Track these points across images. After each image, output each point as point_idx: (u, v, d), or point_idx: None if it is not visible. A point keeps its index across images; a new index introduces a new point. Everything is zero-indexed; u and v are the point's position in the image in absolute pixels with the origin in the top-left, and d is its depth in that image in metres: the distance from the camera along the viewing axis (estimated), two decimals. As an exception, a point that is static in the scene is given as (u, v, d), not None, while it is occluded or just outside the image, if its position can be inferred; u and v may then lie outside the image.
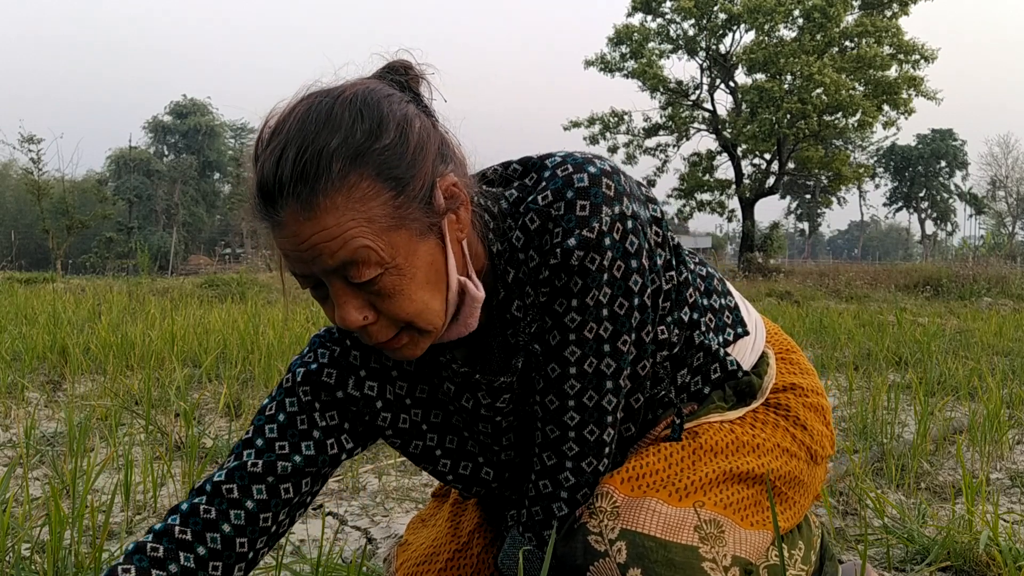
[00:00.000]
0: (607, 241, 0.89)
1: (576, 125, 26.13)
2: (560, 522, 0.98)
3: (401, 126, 0.83)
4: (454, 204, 0.87)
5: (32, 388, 3.30)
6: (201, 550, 0.96)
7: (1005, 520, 1.86)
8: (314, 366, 1.04)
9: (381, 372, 1.05)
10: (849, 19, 23.29)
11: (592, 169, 0.90)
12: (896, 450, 2.38)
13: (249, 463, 1.00)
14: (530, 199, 0.92)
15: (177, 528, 0.96)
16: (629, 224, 0.90)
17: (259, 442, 1.01)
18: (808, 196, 55.47)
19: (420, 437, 1.07)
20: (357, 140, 0.81)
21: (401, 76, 0.91)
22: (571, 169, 0.91)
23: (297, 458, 1.01)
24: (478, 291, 0.90)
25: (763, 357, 1.13)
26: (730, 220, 27.50)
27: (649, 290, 0.94)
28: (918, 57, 23.06)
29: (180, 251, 38.92)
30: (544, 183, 0.92)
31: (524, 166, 0.98)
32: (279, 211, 0.81)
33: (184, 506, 0.99)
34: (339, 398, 1.04)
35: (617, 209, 0.90)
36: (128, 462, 1.83)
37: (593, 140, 25.95)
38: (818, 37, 22.83)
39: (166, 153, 56.80)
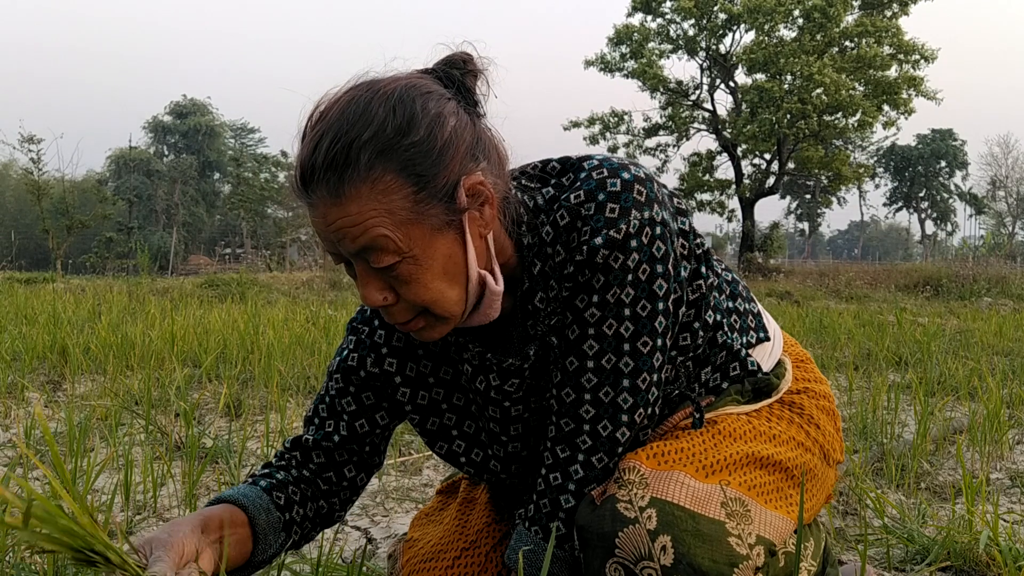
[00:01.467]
0: (634, 243, 0.92)
1: (576, 125, 26.11)
2: (567, 515, 0.98)
3: (431, 125, 0.87)
4: (476, 202, 0.90)
5: (32, 388, 3.30)
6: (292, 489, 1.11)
7: (1005, 520, 1.86)
8: (344, 353, 1.13)
9: (405, 350, 1.10)
10: (849, 19, 23.27)
11: (626, 175, 0.93)
12: (896, 450, 2.38)
13: (303, 438, 1.14)
14: (563, 197, 0.95)
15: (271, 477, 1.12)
16: (657, 230, 0.93)
17: (316, 420, 1.15)
18: (808, 196, 55.46)
19: (438, 415, 1.11)
20: (387, 135, 0.85)
21: (458, 69, 0.94)
22: (606, 173, 0.94)
23: (343, 433, 1.13)
24: (497, 285, 0.93)
25: (780, 363, 1.15)
26: (730, 220, 27.48)
27: (672, 297, 0.96)
28: (918, 57, 23.05)
29: (180, 251, 38.90)
30: (579, 183, 0.95)
31: (563, 165, 1.02)
32: (312, 193, 0.87)
33: (264, 468, 1.14)
34: (363, 377, 1.11)
35: (647, 214, 0.92)
36: (128, 462, 1.83)
37: (593, 140, 25.94)
38: (818, 37, 22.82)
39: (166, 153, 56.76)
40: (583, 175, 0.95)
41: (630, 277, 0.93)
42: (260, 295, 9.38)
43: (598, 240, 0.91)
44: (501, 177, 0.94)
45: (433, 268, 0.89)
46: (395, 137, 0.85)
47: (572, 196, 0.93)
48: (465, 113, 0.91)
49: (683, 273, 0.98)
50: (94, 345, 4.03)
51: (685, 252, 0.99)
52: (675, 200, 1.00)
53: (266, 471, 1.13)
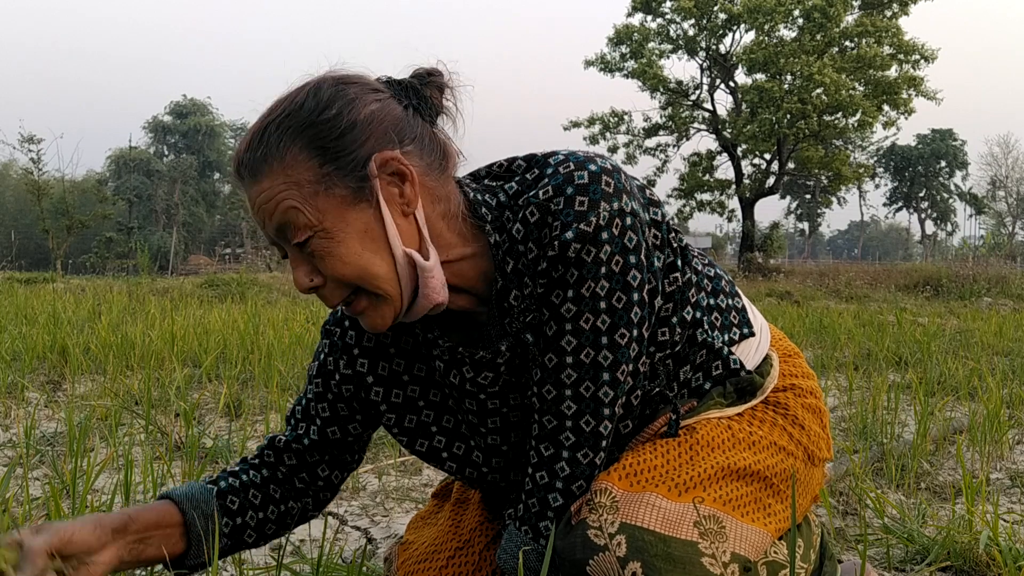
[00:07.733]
0: (604, 235, 0.92)
1: (576, 125, 26.14)
2: (556, 514, 0.98)
3: (343, 106, 0.91)
4: (387, 172, 0.91)
5: (32, 388, 3.30)
6: (252, 492, 1.14)
7: (1005, 520, 1.86)
8: (321, 356, 1.14)
9: (376, 349, 1.10)
10: (849, 19, 23.28)
11: (593, 167, 0.93)
12: (896, 450, 2.38)
13: (277, 438, 1.17)
14: (531, 193, 0.95)
15: (233, 481, 1.14)
16: (628, 220, 0.93)
17: (292, 421, 1.17)
18: (808, 196, 55.46)
19: (416, 412, 1.10)
20: (300, 116, 0.91)
21: (419, 79, 0.98)
22: (572, 167, 0.94)
23: (313, 438, 1.14)
24: (426, 261, 0.93)
25: (767, 359, 1.13)
26: (730, 220, 27.50)
27: (647, 288, 0.96)
28: (918, 57, 23.06)
29: (180, 251, 38.90)
30: (546, 179, 0.95)
31: (528, 162, 1.01)
32: (241, 177, 0.94)
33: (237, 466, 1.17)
34: (338, 380, 1.12)
35: (616, 205, 0.92)
36: (128, 462, 1.83)
37: (593, 140, 25.95)
38: (818, 37, 22.82)
39: (166, 153, 56.74)
40: (550, 171, 0.95)
41: (603, 270, 0.92)
42: (260, 295, 9.38)
43: (569, 234, 0.91)
44: (438, 169, 0.95)
45: (348, 242, 0.90)
46: (306, 116, 0.90)
47: (540, 192, 0.93)
48: (399, 105, 0.94)
49: (657, 263, 0.98)
50: (94, 345, 4.03)
51: (658, 242, 0.98)
52: (646, 191, 1.00)
53: (236, 468, 1.16)
